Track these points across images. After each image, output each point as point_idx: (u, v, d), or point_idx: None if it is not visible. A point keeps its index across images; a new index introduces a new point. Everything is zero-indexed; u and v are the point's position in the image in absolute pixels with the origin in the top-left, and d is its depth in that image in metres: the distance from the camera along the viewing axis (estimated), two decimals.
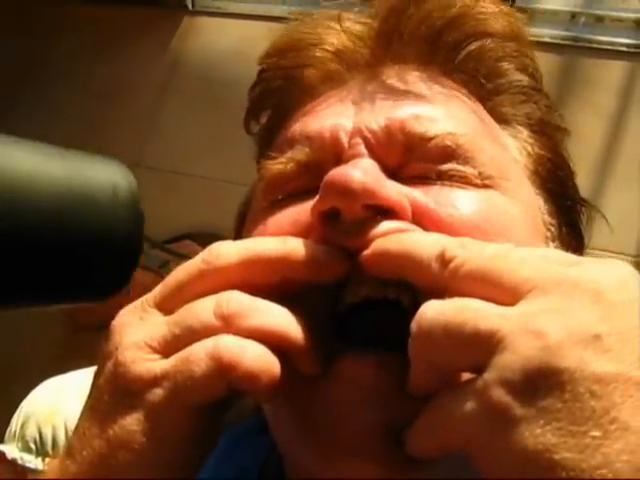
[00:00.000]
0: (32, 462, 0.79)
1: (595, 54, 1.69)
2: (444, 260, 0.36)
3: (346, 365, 0.40)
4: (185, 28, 2.06)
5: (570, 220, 0.53)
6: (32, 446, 0.80)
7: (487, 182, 0.45)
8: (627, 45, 1.70)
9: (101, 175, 0.23)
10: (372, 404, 0.39)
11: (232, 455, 0.53)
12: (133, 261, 0.23)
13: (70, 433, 0.79)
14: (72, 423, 0.80)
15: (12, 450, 0.81)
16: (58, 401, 0.81)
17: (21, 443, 0.81)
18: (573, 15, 1.73)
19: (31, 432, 0.80)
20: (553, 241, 0.50)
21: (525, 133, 0.53)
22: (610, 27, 1.72)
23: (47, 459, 0.78)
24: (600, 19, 1.73)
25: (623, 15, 1.72)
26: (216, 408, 0.38)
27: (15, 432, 0.82)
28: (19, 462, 0.80)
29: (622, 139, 1.60)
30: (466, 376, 0.34)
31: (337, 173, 0.41)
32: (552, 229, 0.50)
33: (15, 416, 0.83)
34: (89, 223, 0.22)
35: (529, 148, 0.52)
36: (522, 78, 0.53)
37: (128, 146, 1.89)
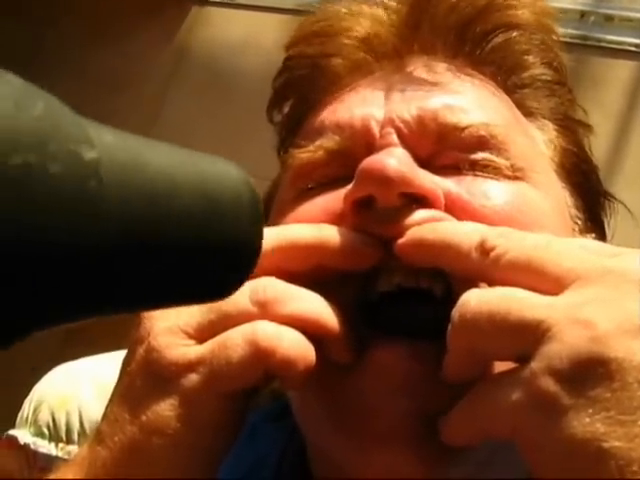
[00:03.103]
0: (45, 447, 0.79)
1: (604, 53, 1.69)
2: (484, 249, 0.36)
3: (379, 353, 0.40)
4: (193, 18, 2.05)
5: (594, 215, 0.54)
6: (45, 431, 0.79)
7: (518, 174, 0.45)
8: (636, 45, 1.70)
9: (226, 181, 0.23)
10: (406, 393, 0.39)
11: (252, 442, 0.53)
12: (252, 263, 0.24)
13: (84, 420, 0.78)
14: (86, 410, 0.80)
15: (24, 435, 0.81)
16: (72, 387, 0.80)
17: (33, 428, 0.80)
18: (582, 14, 1.74)
19: (44, 417, 0.80)
20: (580, 234, 0.50)
21: (550, 127, 0.53)
22: (619, 27, 1.72)
23: (60, 444, 0.78)
24: (609, 18, 1.73)
25: (632, 15, 1.72)
26: (247, 393, 0.38)
27: (27, 417, 0.81)
28: (32, 447, 0.79)
29: (629, 138, 1.61)
30: (503, 364, 0.34)
31: (373, 161, 0.41)
32: (579, 222, 0.50)
33: (27, 401, 0.83)
34: (216, 230, 0.22)
35: (555, 141, 0.52)
36: (547, 72, 0.53)
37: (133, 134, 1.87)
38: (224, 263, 0.23)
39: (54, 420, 0.80)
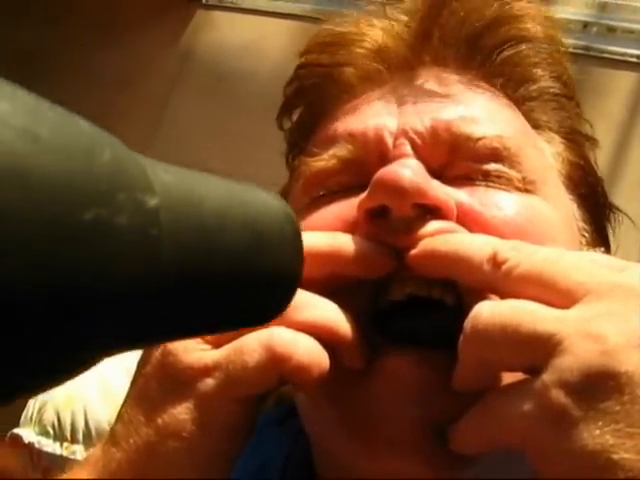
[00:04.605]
0: (50, 446, 0.79)
1: (606, 64, 1.70)
2: (496, 262, 0.36)
3: (390, 362, 0.40)
4: (198, 21, 2.05)
5: (599, 227, 0.54)
6: (50, 430, 0.80)
7: (529, 187, 0.46)
8: (638, 56, 1.71)
9: (270, 214, 0.23)
10: (416, 401, 0.39)
11: (257, 446, 0.54)
12: (293, 292, 0.25)
13: (90, 419, 0.79)
14: (91, 410, 0.81)
15: (29, 434, 0.81)
16: (76, 387, 0.81)
17: (38, 427, 0.81)
18: (585, 25, 1.75)
19: (49, 416, 0.80)
20: (587, 246, 0.50)
21: (557, 139, 0.53)
22: (622, 38, 1.73)
23: (65, 443, 0.78)
24: (612, 29, 1.74)
25: (635, 27, 1.74)
26: (260, 398, 0.39)
27: (32, 416, 0.82)
28: (36, 446, 0.80)
29: (631, 149, 1.62)
30: (512, 375, 0.35)
31: (388, 171, 0.41)
32: (586, 235, 0.51)
33: (31, 400, 0.83)
34: (260, 262, 0.23)
35: (562, 154, 0.53)
36: (555, 85, 0.54)
37: (137, 137, 1.88)
38: (267, 293, 0.23)
39: (59, 419, 0.81)
